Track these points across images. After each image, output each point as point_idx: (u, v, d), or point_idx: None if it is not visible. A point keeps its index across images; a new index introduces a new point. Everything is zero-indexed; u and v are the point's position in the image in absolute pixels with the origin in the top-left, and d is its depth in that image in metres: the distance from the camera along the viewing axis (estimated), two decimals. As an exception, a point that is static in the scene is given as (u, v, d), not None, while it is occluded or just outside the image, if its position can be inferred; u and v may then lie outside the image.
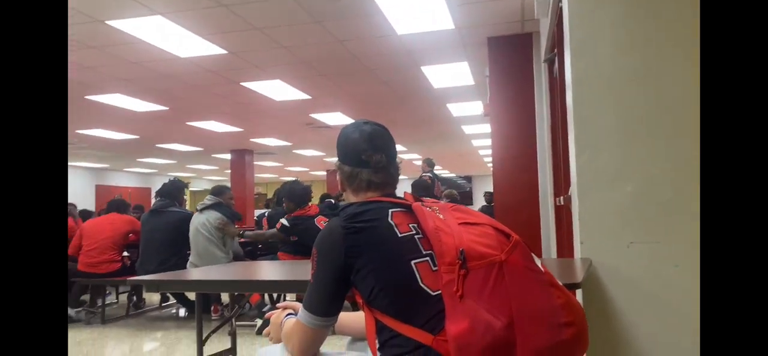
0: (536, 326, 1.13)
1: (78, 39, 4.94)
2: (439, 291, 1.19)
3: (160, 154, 14.05)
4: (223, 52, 5.40)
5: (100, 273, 4.86)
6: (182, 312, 5.42)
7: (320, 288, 1.31)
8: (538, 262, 1.21)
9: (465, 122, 10.09)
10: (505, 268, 1.16)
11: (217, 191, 4.80)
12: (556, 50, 3.34)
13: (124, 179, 18.88)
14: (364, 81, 6.82)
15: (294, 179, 4.58)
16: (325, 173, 20.38)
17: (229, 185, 13.79)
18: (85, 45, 5.11)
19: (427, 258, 1.24)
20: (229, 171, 14.53)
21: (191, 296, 5.33)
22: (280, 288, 2.09)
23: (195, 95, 7.26)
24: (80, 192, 15.61)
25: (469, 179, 25.38)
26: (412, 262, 1.23)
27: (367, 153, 1.40)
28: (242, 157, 13.59)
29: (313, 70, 6.21)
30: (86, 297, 5.15)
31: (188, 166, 17.46)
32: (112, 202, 5.42)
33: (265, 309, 4.31)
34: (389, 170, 1.43)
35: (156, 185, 20.09)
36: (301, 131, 10.58)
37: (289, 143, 12.50)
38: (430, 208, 1.31)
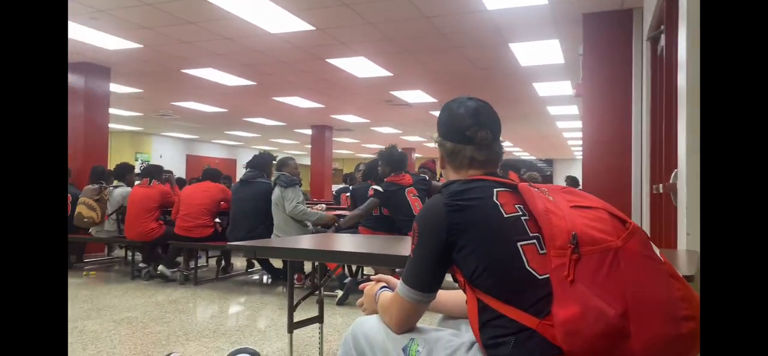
0: (653, 317, 1.07)
1: (178, 15, 5.23)
2: (547, 275, 1.17)
3: (245, 127, 14.70)
4: (312, 28, 5.51)
5: (194, 238, 5.19)
6: (266, 278, 5.68)
7: (421, 264, 1.31)
8: (656, 251, 1.15)
9: (551, 102, 9.74)
10: (620, 255, 1.10)
11: (279, 164, 4.95)
12: (663, 27, 3.11)
13: (212, 150, 19.96)
14: (448, 58, 6.73)
15: (392, 145, 4.58)
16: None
17: (294, 158, 14.18)
18: (185, 21, 5.39)
19: (535, 241, 1.22)
20: (310, 146, 14.94)
21: (276, 264, 5.57)
22: (367, 261, 2.13)
23: (282, 70, 7.49)
24: (171, 161, 16.68)
25: (549, 162, 24.57)
26: (518, 244, 1.21)
27: (472, 129, 1.37)
28: (322, 133, 13.92)
29: (398, 46, 6.21)
30: (181, 259, 5.52)
31: (271, 140, 18.15)
32: (207, 170, 5.75)
33: (345, 281, 4.42)
34: (494, 148, 1.39)
35: (241, 157, 21.10)
36: (380, 108, 10.65)
37: (368, 120, 12.65)
38: (538, 189, 1.27)
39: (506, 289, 1.20)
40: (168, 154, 17.31)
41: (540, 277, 1.17)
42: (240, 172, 19.56)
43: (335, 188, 9.51)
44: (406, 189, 4.31)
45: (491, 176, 1.36)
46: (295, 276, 5.06)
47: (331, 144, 14.47)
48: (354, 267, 5.18)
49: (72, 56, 6.94)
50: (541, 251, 1.20)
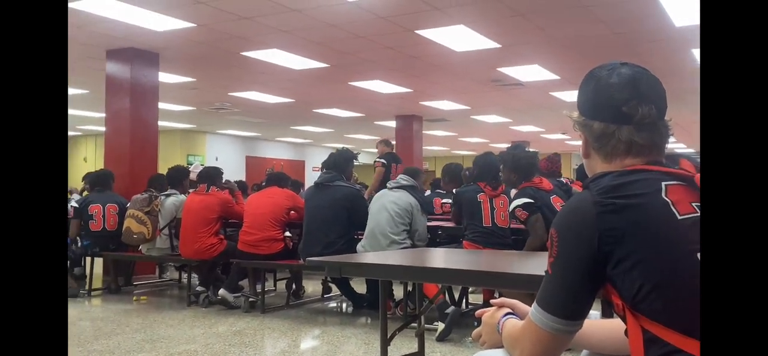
0: None
1: (238, -15, 5.49)
2: (741, 296, 1.10)
3: (315, 121, 15.13)
4: (398, -9, 5.58)
5: (261, 254, 5.40)
6: (345, 306, 5.80)
7: (563, 282, 1.29)
8: None
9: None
10: None
11: (414, 172, 5.22)
12: None
13: (276, 150, 20.74)
14: (574, 20, 6.56)
15: (518, 143, 4.54)
16: (509, 145, 20.15)
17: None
18: (244, -8, 5.66)
19: None
20: (393, 142, 15.08)
21: (358, 288, 5.67)
22: (490, 281, 2.11)
23: (360, 47, 7.64)
24: (229, 163, 17.49)
25: (714, 156, 23.12)
26: (698, 255, 1.15)
27: (630, 104, 1.33)
28: (409, 124, 14.03)
29: (508, 8, 6.13)
30: (245, 282, 5.78)
31: (346, 135, 18.56)
32: (272, 174, 5.96)
33: (447, 311, 4.41)
34: (658, 128, 1.34)
35: (310, 157, 21.76)
36: (483, 90, 10.58)
37: (467, 107, 12.62)
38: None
39: (683, 315, 1.16)
40: (225, 155, 18.20)
41: (731, 299, 1.12)
42: (309, 175, 20.18)
43: (426, 193, 9.53)
44: (551, 196, 4.25)
45: (656, 165, 1.30)
46: (384, 304, 5.12)
47: (421, 139, 14.54)
48: (456, 294, 5.16)
49: (116, 41, 7.49)
50: (730, 265, 1.14)
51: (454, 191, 5.30)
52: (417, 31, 6.89)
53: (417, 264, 2.33)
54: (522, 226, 4.27)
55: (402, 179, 5.11)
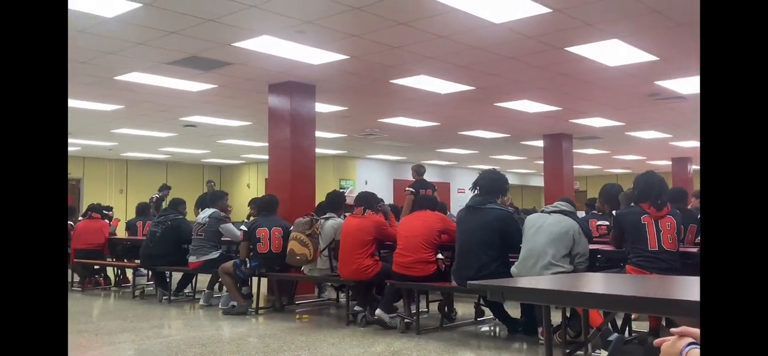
0: None
1: (388, 16, 5.67)
2: None
3: (460, 143, 15.17)
4: (547, 10, 5.49)
5: (414, 276, 5.49)
6: (498, 330, 5.72)
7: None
8: None
9: None
10: None
11: (572, 202, 5.11)
12: None
13: (422, 173, 21.03)
14: (742, 28, 6.08)
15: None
16: (669, 162, 18.98)
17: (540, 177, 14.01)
18: (395, 22, 5.83)
19: None
20: (541, 162, 14.75)
21: (512, 312, 5.58)
22: (666, 308, 2.00)
23: (506, 68, 7.59)
24: (378, 186, 17.97)
25: None
26: None
27: None
28: (558, 143, 13.65)
29: (666, 20, 5.82)
30: (399, 304, 5.89)
31: (491, 156, 18.42)
32: (423, 198, 6.04)
33: (610, 339, 4.22)
34: None
35: (455, 179, 21.81)
36: (639, 105, 10.09)
37: (621, 123, 12.07)
38: None
39: None
40: (374, 179, 18.75)
41: None
42: (454, 198, 20.21)
43: (579, 215, 9.19)
44: None
45: None
46: (539, 330, 4.99)
47: (571, 158, 14.08)
48: (619, 321, 4.93)
49: (277, 76, 8.01)
50: None
51: (613, 212, 5.04)
52: (567, 49, 6.73)
53: (583, 290, 2.26)
54: (693, 249, 3.98)
55: (563, 204, 4.95)
